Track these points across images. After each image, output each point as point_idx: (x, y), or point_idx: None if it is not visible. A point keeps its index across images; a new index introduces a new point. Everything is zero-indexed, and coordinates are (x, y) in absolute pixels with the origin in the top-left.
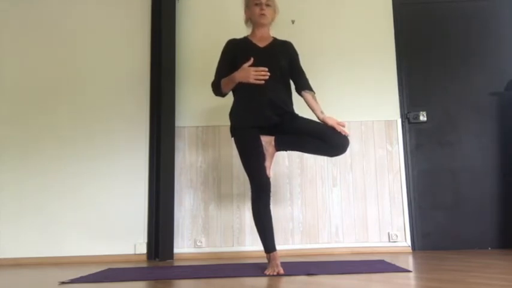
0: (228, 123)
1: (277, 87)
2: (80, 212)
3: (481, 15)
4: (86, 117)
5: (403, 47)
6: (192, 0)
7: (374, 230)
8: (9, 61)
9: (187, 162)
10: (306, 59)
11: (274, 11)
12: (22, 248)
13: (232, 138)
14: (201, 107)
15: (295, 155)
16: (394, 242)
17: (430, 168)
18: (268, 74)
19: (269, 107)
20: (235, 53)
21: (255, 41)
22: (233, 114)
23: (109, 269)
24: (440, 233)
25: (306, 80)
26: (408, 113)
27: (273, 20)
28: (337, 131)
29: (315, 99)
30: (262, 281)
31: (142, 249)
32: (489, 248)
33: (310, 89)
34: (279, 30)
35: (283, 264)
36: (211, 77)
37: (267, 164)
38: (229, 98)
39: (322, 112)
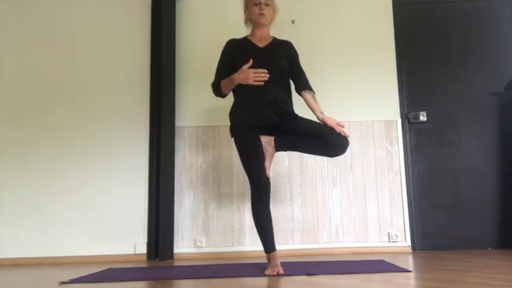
0: (228, 123)
1: (277, 88)
2: (80, 212)
3: (481, 15)
4: (86, 117)
5: (403, 47)
6: (192, 0)
7: (374, 230)
8: (9, 61)
9: (187, 162)
10: (306, 59)
11: (274, 11)
12: (22, 248)
13: (232, 138)
14: (201, 107)
15: (295, 155)
16: (394, 242)
17: (430, 168)
18: (268, 75)
19: (269, 107)
20: (235, 53)
21: (254, 41)
22: (233, 114)
23: (109, 269)
24: (440, 233)
25: (306, 80)
26: (408, 113)
27: (272, 19)
28: (336, 131)
29: (315, 99)
30: (262, 281)
31: (142, 249)
32: (489, 248)
33: (310, 89)
34: (279, 30)
35: (283, 264)
36: (211, 77)
37: (266, 164)
38: (230, 98)
39: (322, 112)
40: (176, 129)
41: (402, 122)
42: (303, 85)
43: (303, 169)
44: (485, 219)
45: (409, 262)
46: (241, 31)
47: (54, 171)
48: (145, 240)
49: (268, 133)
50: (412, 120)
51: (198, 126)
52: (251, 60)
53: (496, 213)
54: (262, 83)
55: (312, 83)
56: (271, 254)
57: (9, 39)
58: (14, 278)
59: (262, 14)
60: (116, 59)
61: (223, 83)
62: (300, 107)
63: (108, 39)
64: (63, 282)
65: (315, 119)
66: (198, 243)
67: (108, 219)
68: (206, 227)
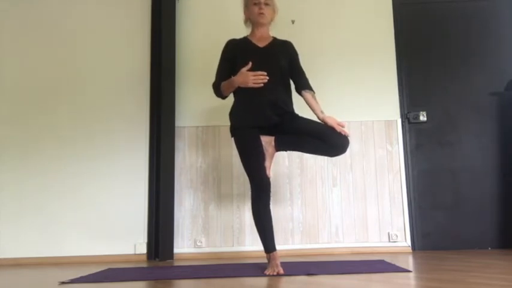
0: (228, 123)
1: (277, 87)
2: (80, 212)
3: (481, 15)
4: (86, 117)
5: (403, 47)
6: (192, 0)
7: (374, 230)
8: (9, 61)
9: (187, 162)
10: (306, 59)
11: (273, 11)
12: (22, 248)
13: (232, 138)
14: (201, 107)
15: (295, 155)
16: (394, 242)
17: (430, 168)
18: (267, 77)
19: (269, 107)
20: (235, 53)
21: (254, 40)
22: (233, 114)
23: (109, 269)
24: (440, 233)
25: (306, 80)
26: (408, 113)
27: (272, 19)
28: (337, 131)
29: (315, 99)
30: (262, 281)
31: (142, 249)
32: (489, 248)
33: (310, 88)
34: (279, 30)
35: (283, 264)
36: (211, 77)
37: (266, 164)
38: (230, 98)
39: (322, 112)
40: (176, 129)
41: (402, 122)
42: (303, 85)
43: (303, 169)
44: (485, 219)
45: (409, 262)
46: (241, 31)
47: (54, 171)
48: (145, 240)
49: (268, 133)
50: (412, 120)
51: (198, 126)
52: (250, 63)
53: (496, 213)
54: (262, 84)
55: (312, 83)
56: (271, 254)
57: (9, 39)
58: (14, 278)
59: (261, 14)
60: (116, 59)
61: (224, 85)
62: (300, 107)
63: (108, 39)
64: (63, 282)
65: (315, 118)
66: (198, 243)
67: (108, 219)
68: (206, 227)
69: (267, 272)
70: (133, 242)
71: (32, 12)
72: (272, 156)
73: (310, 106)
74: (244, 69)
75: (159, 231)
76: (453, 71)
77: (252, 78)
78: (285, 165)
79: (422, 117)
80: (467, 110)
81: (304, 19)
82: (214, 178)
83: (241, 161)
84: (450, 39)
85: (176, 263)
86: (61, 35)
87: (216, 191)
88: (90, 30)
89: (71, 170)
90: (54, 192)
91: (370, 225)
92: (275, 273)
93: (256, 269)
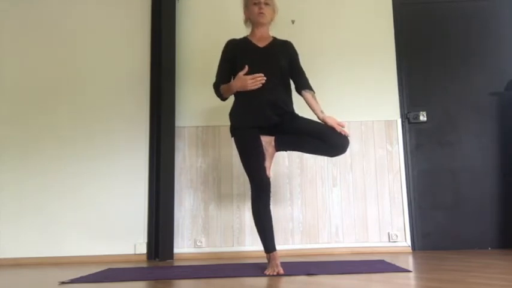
0: (228, 123)
1: (277, 87)
2: (80, 212)
3: (481, 15)
4: (86, 117)
5: (403, 47)
6: (192, 0)
7: (374, 230)
8: (9, 61)
9: (187, 162)
10: (306, 59)
11: (273, 11)
12: (22, 248)
13: (232, 138)
14: (201, 107)
15: (295, 155)
16: (394, 242)
17: (430, 168)
18: (265, 78)
19: (269, 107)
20: (235, 53)
21: (254, 40)
22: (233, 114)
23: (109, 269)
24: (440, 233)
25: (306, 80)
26: (408, 113)
27: (272, 19)
28: (337, 131)
29: (315, 99)
30: (262, 281)
31: (142, 249)
32: (489, 248)
33: (310, 88)
34: (279, 30)
35: (283, 264)
36: (211, 77)
37: (266, 164)
38: (230, 98)
39: (322, 111)
40: (176, 129)
41: (402, 122)
42: (303, 85)
43: (303, 169)
44: (485, 219)
45: (409, 262)
46: (241, 31)
47: (54, 171)
48: (145, 240)
49: (268, 133)
50: (412, 120)
51: (198, 126)
52: (246, 67)
53: (496, 213)
54: (261, 84)
55: (312, 83)
56: (271, 254)
57: (9, 39)
58: (14, 278)
59: (261, 13)
60: (116, 59)
61: (223, 88)
62: (300, 107)
63: (108, 39)
64: (63, 282)
65: (315, 118)
66: (198, 243)
67: (108, 219)
68: (206, 227)
69: (267, 272)
70: (133, 242)
71: (32, 12)
72: (272, 156)
73: (310, 106)
74: (241, 74)
75: (159, 231)
76: (453, 71)
77: (250, 82)
78: (285, 165)
79: (422, 117)
80: (467, 110)
81: (304, 19)
82: (214, 178)
83: (241, 161)
84: (450, 39)
85: (176, 263)
86: (61, 35)
87: (216, 191)
88: (90, 30)
89: (71, 170)
90: (54, 192)
91: (370, 225)
92: (275, 273)
93: (256, 269)
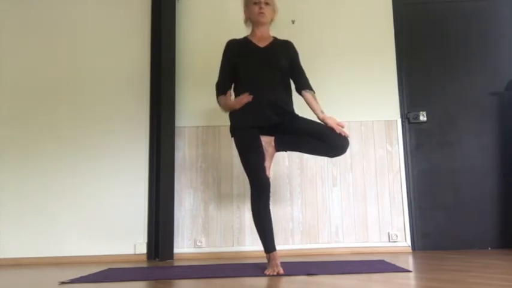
0: (228, 123)
1: (277, 87)
2: (80, 212)
3: (481, 15)
4: (86, 117)
5: (403, 47)
6: (192, 0)
7: (374, 230)
8: (9, 61)
9: (187, 162)
10: (306, 59)
11: (274, 10)
12: (22, 248)
13: (232, 138)
14: (201, 107)
15: (295, 155)
16: (394, 242)
17: (430, 168)
18: (250, 96)
19: (269, 107)
20: (235, 53)
21: (255, 40)
22: (233, 114)
23: (109, 269)
24: (440, 233)
25: (306, 80)
26: (408, 113)
27: (272, 19)
28: (336, 131)
29: (315, 99)
30: (262, 281)
31: (142, 249)
32: (489, 248)
33: (310, 88)
34: (279, 30)
35: (283, 264)
36: (211, 77)
37: (266, 164)
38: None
39: (322, 112)
40: (176, 129)
41: (402, 122)
42: (303, 85)
43: (303, 169)
44: (485, 219)
45: (409, 262)
46: (241, 31)
47: (54, 171)
48: (145, 240)
49: (268, 133)
50: (412, 120)
51: (198, 126)
52: (251, 97)
53: (496, 213)
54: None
55: (312, 83)
56: (271, 254)
57: (9, 39)
58: (14, 278)
59: (262, 13)
60: (116, 59)
61: (221, 99)
62: (300, 107)
63: (108, 39)
64: (63, 282)
65: (315, 118)
66: (198, 243)
67: (108, 219)
68: (206, 227)
69: (267, 272)
70: (133, 242)
71: (32, 12)
72: (272, 156)
73: (310, 106)
74: (244, 100)
75: (159, 231)
76: (453, 71)
77: (240, 102)
78: (285, 165)
79: (422, 117)
80: (467, 110)
81: (304, 19)
82: (214, 178)
83: (241, 161)
84: (450, 39)
85: (176, 263)
86: (61, 35)
87: (216, 191)
88: (90, 30)
89: (71, 170)
90: (54, 192)
91: (370, 225)
92: (275, 273)
93: (256, 269)
